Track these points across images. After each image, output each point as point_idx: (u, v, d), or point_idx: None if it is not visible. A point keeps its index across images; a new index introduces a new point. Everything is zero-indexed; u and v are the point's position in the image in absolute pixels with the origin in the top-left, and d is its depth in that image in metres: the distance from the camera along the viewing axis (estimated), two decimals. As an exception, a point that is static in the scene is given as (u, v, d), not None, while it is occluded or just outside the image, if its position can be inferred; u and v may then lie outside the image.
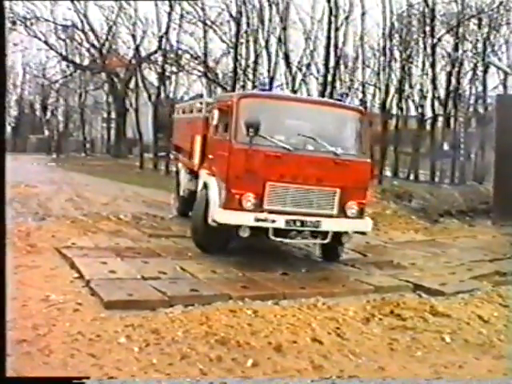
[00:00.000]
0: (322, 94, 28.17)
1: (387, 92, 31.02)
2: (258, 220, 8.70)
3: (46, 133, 50.98)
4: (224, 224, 8.81)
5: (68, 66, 41.43)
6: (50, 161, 34.83)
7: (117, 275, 7.76)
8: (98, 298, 6.80)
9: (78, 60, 40.96)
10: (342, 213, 9.13)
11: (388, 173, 31.36)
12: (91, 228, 11.17)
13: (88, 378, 4.58)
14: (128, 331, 5.78)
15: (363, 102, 33.10)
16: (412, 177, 31.14)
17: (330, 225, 9.05)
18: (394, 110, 32.35)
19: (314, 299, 7.33)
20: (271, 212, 8.78)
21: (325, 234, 9.14)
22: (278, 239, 9.04)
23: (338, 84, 31.62)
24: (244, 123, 8.76)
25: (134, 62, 34.25)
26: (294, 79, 31.40)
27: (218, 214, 8.86)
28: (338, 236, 9.27)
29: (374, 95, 33.94)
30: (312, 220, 8.88)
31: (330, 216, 9.06)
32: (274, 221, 8.74)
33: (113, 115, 45.24)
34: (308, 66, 32.70)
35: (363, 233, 9.66)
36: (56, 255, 8.88)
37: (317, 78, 32.00)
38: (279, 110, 9.39)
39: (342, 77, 33.13)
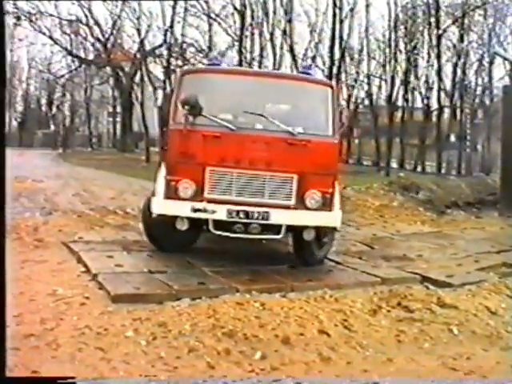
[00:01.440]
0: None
1: (393, 84, 31.04)
2: (195, 210, 7.76)
3: (53, 128, 51.18)
4: (163, 215, 7.98)
5: (73, 61, 41.54)
6: (56, 155, 34.91)
7: (123, 269, 7.75)
8: (105, 291, 6.80)
9: (82, 54, 41.09)
10: (301, 203, 7.98)
11: (394, 164, 31.33)
12: (98, 222, 11.18)
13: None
14: (135, 325, 5.78)
15: (369, 94, 33.07)
16: (419, 168, 31.12)
17: (282, 217, 7.92)
18: (400, 102, 32.33)
19: (321, 291, 7.30)
20: (213, 202, 7.83)
21: (278, 228, 8.04)
22: (223, 233, 8.00)
23: (343, 76, 31.54)
24: (180, 101, 7.89)
25: (139, 55, 34.30)
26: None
27: (155, 204, 8.02)
28: (298, 231, 8.20)
29: (379, 87, 33.96)
30: (260, 211, 7.82)
31: (287, 207, 7.95)
32: (214, 211, 7.77)
33: (118, 109, 45.33)
34: (313, 58, 32.71)
35: (334, 228, 8.34)
36: (63, 250, 8.89)
37: (322, 70, 31.98)
38: (227, 86, 8.40)
39: (347, 69, 33.09)
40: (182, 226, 7.93)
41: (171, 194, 7.87)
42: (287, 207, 7.95)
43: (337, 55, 30.03)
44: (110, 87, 44.78)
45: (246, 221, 7.86)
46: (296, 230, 8.26)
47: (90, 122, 49.38)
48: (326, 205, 8.02)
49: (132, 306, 6.33)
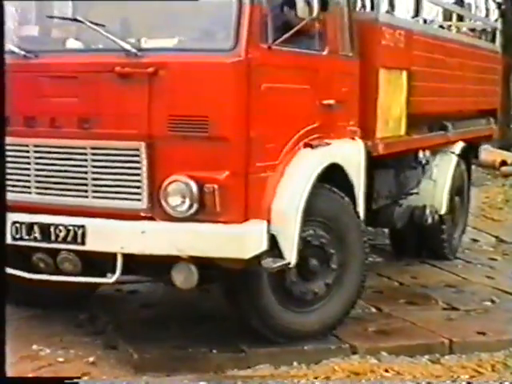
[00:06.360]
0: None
1: None
2: None
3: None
4: None
5: None
6: None
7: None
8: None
9: None
10: (158, 205, 6.71)
11: None
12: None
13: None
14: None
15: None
16: None
17: (110, 237, 6.74)
18: None
19: (503, 353, 7.32)
20: None
21: (112, 262, 6.79)
22: (18, 273, 6.94)
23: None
24: None
25: None
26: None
27: None
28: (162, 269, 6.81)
29: None
30: (68, 224, 6.80)
31: (130, 215, 6.76)
32: None
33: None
34: None
35: (243, 262, 6.57)
36: None
37: None
38: None
39: None
40: None
41: None
42: (131, 215, 6.80)
43: None
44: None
45: (47, 245, 6.91)
46: (159, 267, 6.97)
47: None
48: (215, 208, 6.55)
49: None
